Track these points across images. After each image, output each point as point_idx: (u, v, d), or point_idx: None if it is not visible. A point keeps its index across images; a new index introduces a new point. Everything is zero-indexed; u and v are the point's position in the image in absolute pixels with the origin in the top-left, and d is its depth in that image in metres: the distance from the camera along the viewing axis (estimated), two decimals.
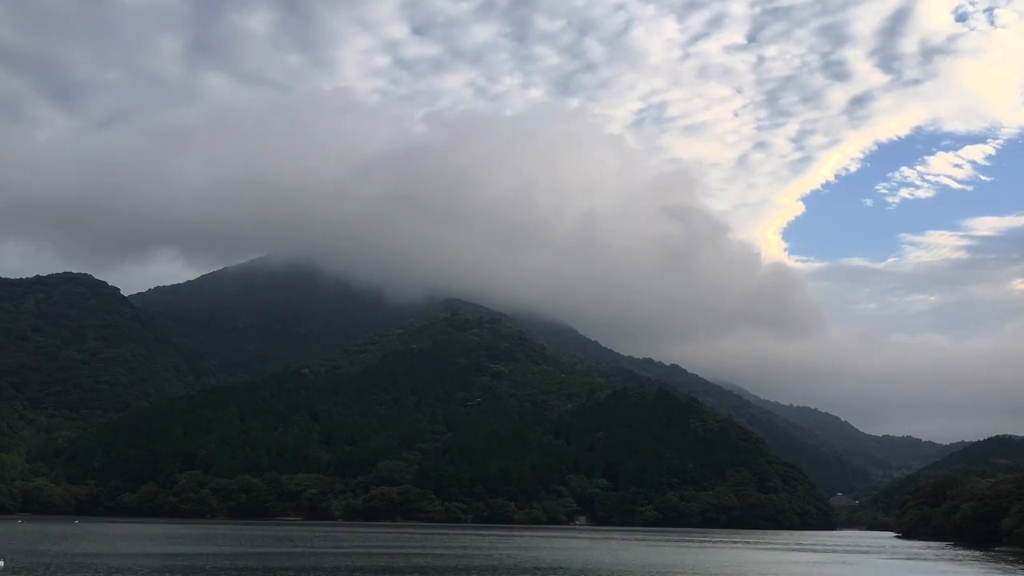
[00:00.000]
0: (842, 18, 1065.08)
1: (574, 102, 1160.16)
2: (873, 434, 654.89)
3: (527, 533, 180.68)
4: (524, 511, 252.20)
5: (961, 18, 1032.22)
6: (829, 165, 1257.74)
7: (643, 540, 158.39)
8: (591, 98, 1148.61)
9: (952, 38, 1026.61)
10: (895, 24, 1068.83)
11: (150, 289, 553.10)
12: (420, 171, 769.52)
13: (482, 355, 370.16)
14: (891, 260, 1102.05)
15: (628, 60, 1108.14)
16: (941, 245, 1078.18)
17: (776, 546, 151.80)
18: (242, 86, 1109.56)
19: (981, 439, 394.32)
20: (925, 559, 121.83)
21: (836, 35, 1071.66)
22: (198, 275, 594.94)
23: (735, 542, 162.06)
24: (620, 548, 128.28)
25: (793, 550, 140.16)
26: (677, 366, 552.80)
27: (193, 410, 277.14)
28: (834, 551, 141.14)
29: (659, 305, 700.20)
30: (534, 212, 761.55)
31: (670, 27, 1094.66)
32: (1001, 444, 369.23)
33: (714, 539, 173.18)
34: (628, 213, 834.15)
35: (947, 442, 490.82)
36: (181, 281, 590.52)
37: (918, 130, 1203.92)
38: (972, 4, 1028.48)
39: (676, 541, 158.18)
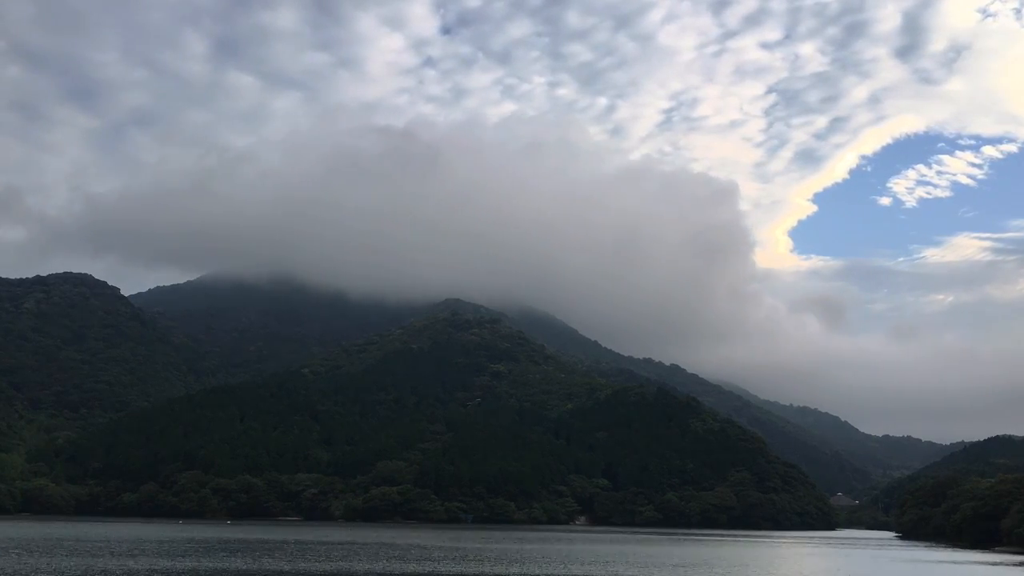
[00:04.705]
0: (867, 16, 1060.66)
1: (602, 101, 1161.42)
2: (873, 434, 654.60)
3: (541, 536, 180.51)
4: (524, 511, 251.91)
5: (987, 16, 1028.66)
6: (845, 163, 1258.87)
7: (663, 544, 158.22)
8: (620, 96, 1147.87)
9: (978, 36, 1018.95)
10: (920, 21, 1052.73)
11: (150, 289, 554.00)
12: (422, 172, 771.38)
13: (482, 355, 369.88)
14: (907, 260, 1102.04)
15: (659, 57, 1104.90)
16: (963, 246, 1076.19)
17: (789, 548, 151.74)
18: (268, 86, 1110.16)
19: (981, 439, 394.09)
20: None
21: (861, 32, 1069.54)
22: (198, 275, 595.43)
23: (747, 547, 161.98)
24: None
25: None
26: (677, 366, 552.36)
27: (193, 410, 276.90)
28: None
29: (660, 305, 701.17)
30: (534, 213, 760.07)
31: (703, 23, 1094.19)
32: (1001, 444, 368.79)
33: (715, 540, 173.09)
34: (630, 214, 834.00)
35: (947, 442, 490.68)
36: (181, 281, 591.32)
37: (938, 128, 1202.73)
38: (1003, 1, 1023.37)
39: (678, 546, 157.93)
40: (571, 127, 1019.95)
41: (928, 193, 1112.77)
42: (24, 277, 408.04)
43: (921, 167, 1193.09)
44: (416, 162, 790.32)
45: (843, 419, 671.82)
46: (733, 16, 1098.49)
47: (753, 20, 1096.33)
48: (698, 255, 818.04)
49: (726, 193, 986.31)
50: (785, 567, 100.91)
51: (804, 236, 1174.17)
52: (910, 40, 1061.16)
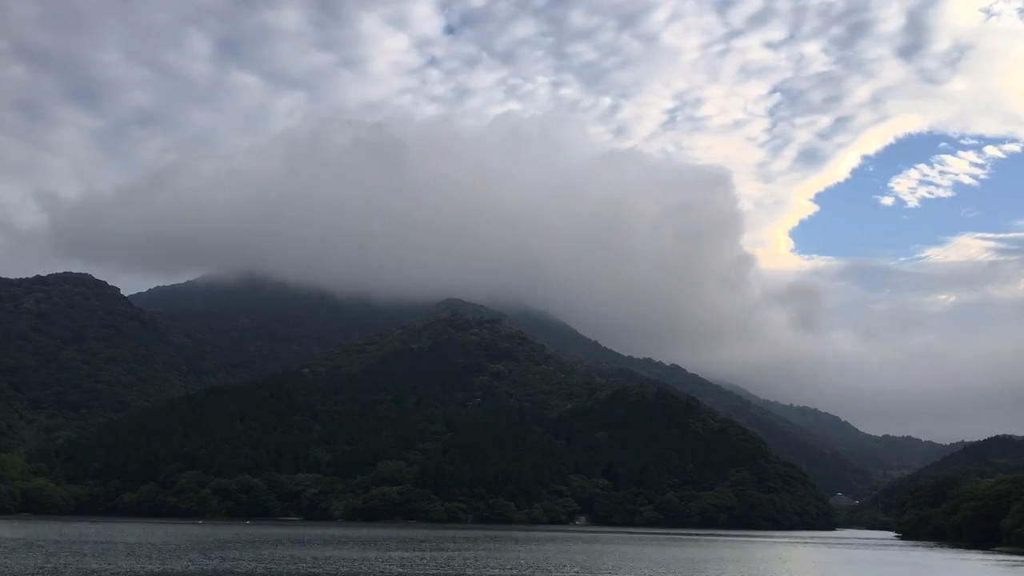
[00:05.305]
0: (871, 15, 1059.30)
1: (606, 100, 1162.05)
2: (873, 434, 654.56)
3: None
4: (524, 511, 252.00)
5: (991, 15, 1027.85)
6: (847, 163, 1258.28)
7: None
8: (624, 95, 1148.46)
9: (981, 35, 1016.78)
10: (924, 20, 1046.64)
11: (150, 289, 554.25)
12: (423, 170, 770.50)
13: (482, 355, 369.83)
14: (908, 260, 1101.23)
15: (663, 57, 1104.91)
16: (966, 246, 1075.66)
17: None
18: (271, 86, 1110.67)
19: (981, 439, 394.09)
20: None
21: (864, 32, 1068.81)
22: (198, 275, 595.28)
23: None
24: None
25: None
26: (677, 366, 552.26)
27: (193, 410, 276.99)
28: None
29: (660, 305, 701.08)
30: (534, 212, 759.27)
31: (707, 23, 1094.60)
32: (1001, 444, 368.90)
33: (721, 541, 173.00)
34: (631, 214, 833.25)
35: (947, 442, 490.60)
36: (181, 281, 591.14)
37: (941, 128, 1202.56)
38: (1006, 1, 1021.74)
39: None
40: (567, 123, 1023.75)
41: (930, 193, 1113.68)
42: (24, 277, 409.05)
43: (923, 167, 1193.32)
44: (413, 162, 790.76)
45: (843, 419, 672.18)
46: (738, 16, 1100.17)
47: (758, 19, 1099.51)
48: (689, 243, 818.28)
49: (719, 181, 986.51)
50: (784, 569, 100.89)
51: (806, 236, 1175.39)
52: (913, 40, 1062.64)
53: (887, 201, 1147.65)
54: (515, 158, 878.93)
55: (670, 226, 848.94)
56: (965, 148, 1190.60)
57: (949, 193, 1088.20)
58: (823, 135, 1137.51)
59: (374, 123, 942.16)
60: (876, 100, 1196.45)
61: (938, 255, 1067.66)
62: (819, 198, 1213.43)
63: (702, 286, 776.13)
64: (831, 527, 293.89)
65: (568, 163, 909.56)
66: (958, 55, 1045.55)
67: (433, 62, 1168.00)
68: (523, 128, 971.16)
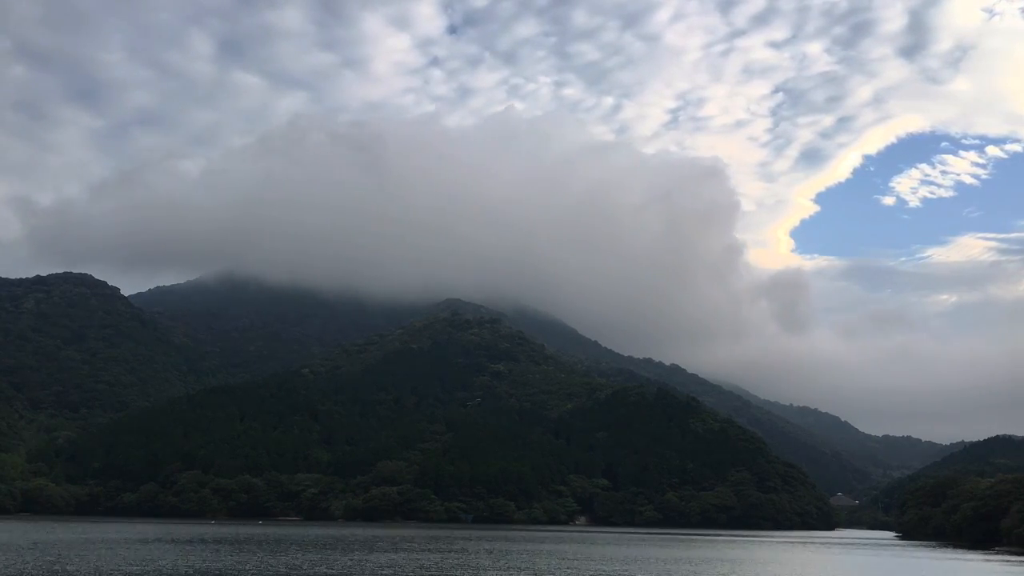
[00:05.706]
0: (874, 15, 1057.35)
1: (609, 100, 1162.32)
2: (873, 434, 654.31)
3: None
4: (524, 511, 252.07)
5: (993, 15, 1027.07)
6: (848, 162, 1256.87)
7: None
8: (626, 95, 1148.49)
9: (983, 35, 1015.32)
10: (926, 20, 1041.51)
11: (150, 289, 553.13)
12: (422, 169, 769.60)
13: (482, 355, 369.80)
14: (909, 260, 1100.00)
15: (666, 57, 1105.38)
16: (968, 246, 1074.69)
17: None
18: (273, 86, 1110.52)
19: (981, 439, 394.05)
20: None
21: (867, 31, 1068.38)
22: (198, 275, 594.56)
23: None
24: None
25: None
26: (677, 366, 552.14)
27: (193, 410, 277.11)
28: None
29: (659, 305, 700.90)
30: (535, 212, 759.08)
31: (710, 22, 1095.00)
32: (1001, 444, 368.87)
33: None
34: (630, 212, 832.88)
35: (947, 442, 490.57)
36: (181, 281, 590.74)
37: (943, 128, 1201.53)
38: (1008, 0, 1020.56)
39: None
40: (560, 119, 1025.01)
41: (932, 193, 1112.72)
42: (24, 277, 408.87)
43: (925, 167, 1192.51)
44: (410, 161, 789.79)
45: (843, 419, 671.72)
46: (740, 15, 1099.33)
47: (760, 19, 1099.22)
48: (687, 240, 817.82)
49: (714, 173, 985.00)
50: (784, 570, 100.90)
51: (807, 236, 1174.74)
52: (915, 39, 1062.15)
53: (888, 201, 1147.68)
54: (509, 155, 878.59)
55: (669, 223, 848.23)
56: (967, 148, 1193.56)
57: (951, 193, 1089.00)
58: (825, 135, 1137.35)
59: (370, 122, 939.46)
60: (878, 100, 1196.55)
61: (939, 255, 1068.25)
62: (820, 198, 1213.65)
63: (704, 286, 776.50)
64: (831, 527, 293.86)
65: (564, 158, 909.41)
66: (960, 55, 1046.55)
67: (435, 62, 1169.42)
68: (517, 125, 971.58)
